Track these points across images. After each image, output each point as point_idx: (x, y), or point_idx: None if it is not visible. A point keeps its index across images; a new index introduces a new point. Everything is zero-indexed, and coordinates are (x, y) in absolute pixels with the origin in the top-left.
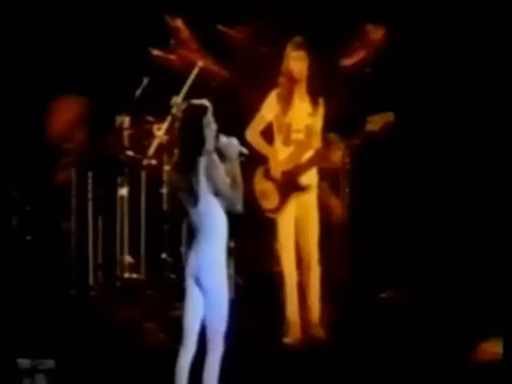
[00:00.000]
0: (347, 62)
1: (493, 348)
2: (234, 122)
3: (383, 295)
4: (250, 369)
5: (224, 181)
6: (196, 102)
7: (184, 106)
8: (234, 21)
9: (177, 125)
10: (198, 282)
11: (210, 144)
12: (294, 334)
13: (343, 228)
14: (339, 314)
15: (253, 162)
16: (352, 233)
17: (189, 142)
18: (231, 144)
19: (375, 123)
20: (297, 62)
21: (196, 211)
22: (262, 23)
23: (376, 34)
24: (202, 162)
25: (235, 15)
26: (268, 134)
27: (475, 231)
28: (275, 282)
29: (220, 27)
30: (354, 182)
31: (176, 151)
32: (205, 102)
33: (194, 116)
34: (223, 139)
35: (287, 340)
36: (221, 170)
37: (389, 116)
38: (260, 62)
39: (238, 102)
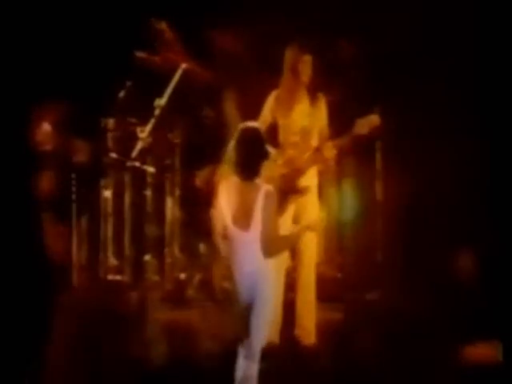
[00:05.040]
0: None
1: (483, 350)
2: (218, 123)
3: (369, 296)
4: None
5: None
6: (251, 123)
7: (243, 126)
8: (218, 23)
9: (234, 145)
10: (254, 292)
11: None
12: None
13: (330, 229)
14: (325, 316)
15: None
16: (339, 234)
17: (254, 164)
18: None
19: (362, 126)
20: (306, 65)
21: (249, 234)
22: (246, 26)
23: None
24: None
25: (219, 18)
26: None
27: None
28: None
29: (204, 29)
30: (339, 183)
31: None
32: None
33: (258, 136)
34: None
35: None
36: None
37: (375, 120)
38: (243, 65)
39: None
